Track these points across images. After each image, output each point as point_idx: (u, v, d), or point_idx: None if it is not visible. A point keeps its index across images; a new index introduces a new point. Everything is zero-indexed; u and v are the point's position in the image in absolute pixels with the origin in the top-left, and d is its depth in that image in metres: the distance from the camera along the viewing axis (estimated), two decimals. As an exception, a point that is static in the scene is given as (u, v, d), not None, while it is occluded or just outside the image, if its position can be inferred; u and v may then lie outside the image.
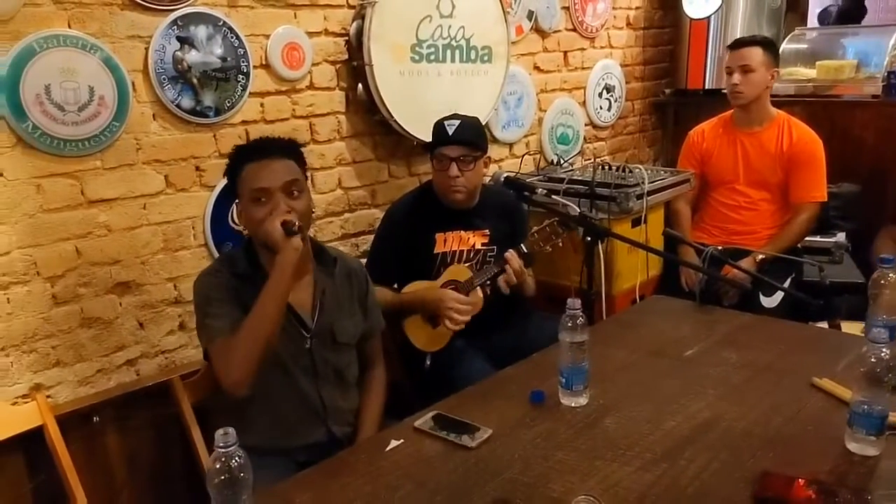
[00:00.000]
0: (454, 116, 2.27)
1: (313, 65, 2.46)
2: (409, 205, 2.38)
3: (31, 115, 1.87)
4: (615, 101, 3.78)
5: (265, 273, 1.68)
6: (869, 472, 1.29)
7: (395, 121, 2.58)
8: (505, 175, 2.50)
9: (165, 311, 2.22)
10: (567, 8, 3.39)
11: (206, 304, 1.70)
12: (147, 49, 2.07)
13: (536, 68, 3.33)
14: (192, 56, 2.15)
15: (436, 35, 2.68)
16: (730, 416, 1.49)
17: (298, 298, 1.77)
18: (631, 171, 2.93)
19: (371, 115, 2.64)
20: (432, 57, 2.69)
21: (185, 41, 2.13)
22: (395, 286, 2.28)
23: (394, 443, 1.45)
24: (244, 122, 2.32)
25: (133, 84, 2.05)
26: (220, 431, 1.07)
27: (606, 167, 3.00)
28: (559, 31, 3.38)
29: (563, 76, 3.48)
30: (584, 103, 3.62)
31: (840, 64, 3.73)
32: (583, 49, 3.55)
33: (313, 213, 1.84)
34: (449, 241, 2.32)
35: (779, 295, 2.78)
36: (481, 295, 2.22)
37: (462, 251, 2.33)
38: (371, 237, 2.55)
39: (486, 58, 2.87)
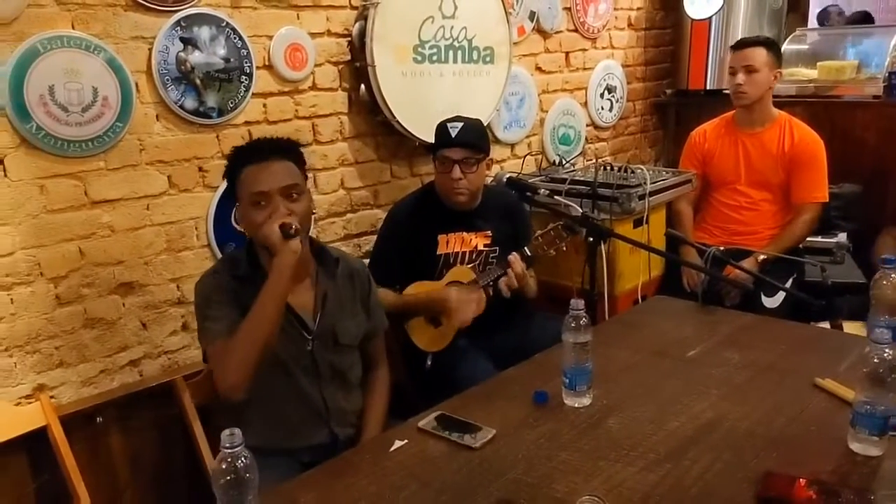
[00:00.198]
0: (457, 118, 2.27)
1: (316, 65, 2.47)
2: (412, 206, 2.38)
3: (35, 116, 1.87)
4: (617, 101, 3.79)
5: (265, 274, 1.67)
6: (872, 472, 1.29)
7: (398, 121, 2.59)
8: (507, 175, 2.50)
9: (168, 312, 2.23)
10: (569, 9, 3.39)
11: (205, 306, 1.70)
12: (150, 50, 2.07)
13: (538, 69, 3.34)
14: (196, 57, 2.15)
15: (438, 36, 2.69)
16: (733, 417, 1.49)
17: (300, 300, 1.77)
18: (633, 172, 2.93)
19: (373, 115, 2.64)
20: (434, 58, 2.69)
21: (189, 42, 2.13)
22: (398, 287, 2.28)
23: (398, 443, 1.45)
24: (247, 123, 2.32)
25: (136, 85, 2.06)
26: (226, 432, 1.07)
27: (608, 168, 3.01)
28: (561, 31, 3.39)
29: (564, 77, 3.48)
30: (585, 104, 3.62)
31: (841, 64, 3.73)
32: (584, 50, 3.55)
33: (314, 214, 1.84)
34: (451, 243, 2.32)
35: (780, 295, 2.78)
36: (484, 296, 2.22)
37: (464, 252, 2.33)
38: (373, 238, 2.56)
39: (488, 58, 2.87)
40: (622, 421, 1.50)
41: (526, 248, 2.19)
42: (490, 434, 1.45)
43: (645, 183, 2.80)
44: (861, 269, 3.13)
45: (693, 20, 3.79)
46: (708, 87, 3.89)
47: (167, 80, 2.10)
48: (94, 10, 1.96)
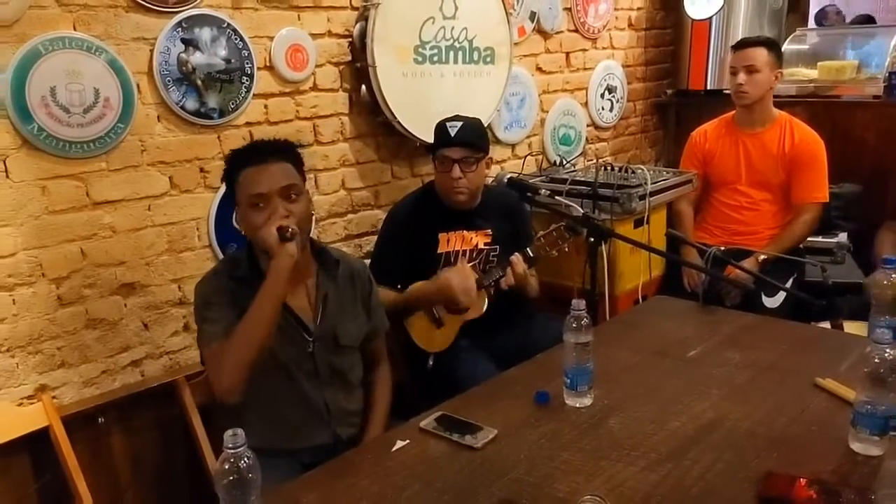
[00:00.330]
0: (456, 118, 2.27)
1: (317, 66, 2.47)
2: (412, 205, 2.39)
3: (37, 117, 1.88)
4: (617, 101, 3.79)
5: (264, 276, 1.66)
6: (872, 471, 1.29)
7: (399, 122, 2.59)
8: (508, 176, 2.50)
9: (170, 312, 2.23)
10: (569, 9, 3.40)
11: (204, 308, 1.70)
12: (152, 51, 2.08)
13: (539, 69, 3.34)
14: (197, 58, 2.15)
15: (439, 36, 2.69)
16: (734, 417, 1.49)
17: (300, 302, 1.77)
18: (633, 172, 2.93)
19: (374, 116, 2.64)
20: (435, 58, 2.69)
21: (190, 43, 2.13)
22: (399, 287, 2.28)
23: (399, 443, 1.46)
24: (248, 124, 2.33)
25: (138, 86, 2.06)
26: (229, 432, 1.07)
27: (609, 168, 3.01)
28: (561, 32, 3.39)
29: (565, 77, 3.49)
30: (586, 104, 3.62)
31: (841, 64, 3.73)
32: (585, 50, 3.56)
33: (314, 215, 1.83)
34: (452, 241, 2.32)
35: (781, 295, 2.79)
36: (485, 297, 2.22)
37: (465, 251, 2.34)
38: (374, 238, 2.56)
39: (488, 59, 2.87)
40: (623, 421, 1.50)
41: (528, 248, 2.20)
42: (491, 434, 1.45)
43: (645, 183, 2.81)
44: (861, 269, 3.13)
45: (693, 20, 3.79)
46: (708, 88, 3.89)
47: (168, 80, 2.11)
48: (95, 12, 1.96)
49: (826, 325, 2.27)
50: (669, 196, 2.98)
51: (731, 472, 1.30)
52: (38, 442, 1.97)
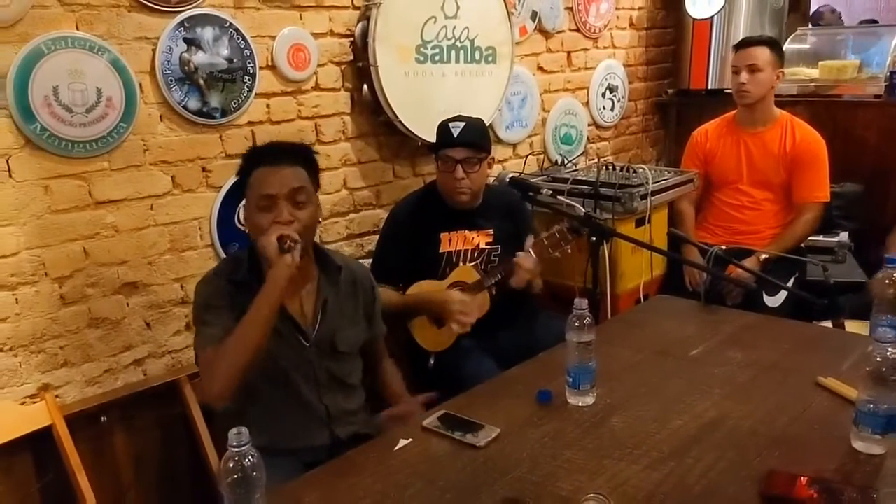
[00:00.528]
0: (458, 118, 2.28)
1: (319, 66, 2.47)
2: (414, 205, 2.39)
3: (40, 117, 1.88)
4: (618, 101, 3.79)
5: (264, 280, 1.65)
6: (875, 470, 1.29)
7: (400, 121, 2.59)
8: (510, 175, 2.51)
9: (172, 312, 2.23)
10: (570, 8, 3.40)
11: (203, 310, 1.70)
12: (154, 50, 2.08)
13: (540, 69, 3.34)
14: (199, 57, 2.16)
15: (440, 36, 2.69)
16: (736, 416, 1.50)
17: (300, 307, 1.77)
18: (635, 172, 2.94)
19: (376, 115, 2.65)
20: (437, 58, 2.70)
21: (192, 42, 2.14)
22: (401, 286, 2.28)
23: (402, 442, 1.46)
24: (250, 123, 2.33)
25: (140, 85, 2.07)
26: (233, 431, 1.08)
27: (610, 167, 3.01)
28: (562, 31, 3.39)
29: (566, 76, 3.49)
30: (587, 103, 3.62)
31: (843, 64, 3.73)
32: (586, 49, 3.56)
33: (320, 222, 1.82)
34: (454, 241, 2.33)
35: (782, 294, 2.79)
36: (488, 299, 2.23)
37: (467, 251, 2.34)
38: (376, 237, 2.56)
39: (490, 58, 2.87)
40: (626, 420, 1.50)
41: (526, 241, 2.21)
42: (494, 433, 1.46)
43: (647, 182, 2.81)
44: (863, 269, 3.13)
45: (694, 20, 3.79)
46: (709, 87, 3.89)
47: (171, 80, 2.11)
48: (97, 11, 1.97)
49: (827, 324, 2.27)
50: (671, 195, 2.98)
51: (734, 470, 1.30)
52: (40, 441, 1.97)
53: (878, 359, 1.30)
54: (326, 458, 1.50)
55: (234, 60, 2.23)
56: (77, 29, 1.94)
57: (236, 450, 1.08)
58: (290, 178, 1.68)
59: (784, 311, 2.74)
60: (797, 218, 2.93)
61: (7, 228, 1.88)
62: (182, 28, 2.11)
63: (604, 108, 3.72)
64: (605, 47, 3.67)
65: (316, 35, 2.45)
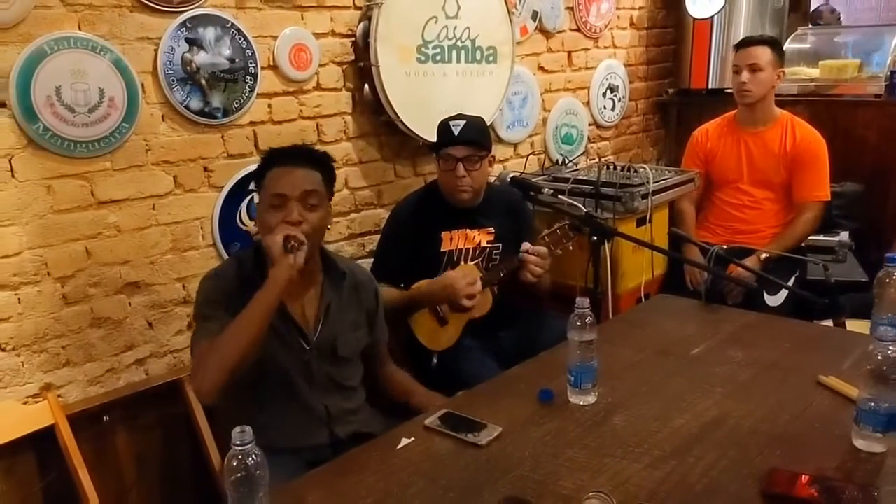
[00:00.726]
0: (459, 116, 2.28)
1: (320, 66, 2.48)
2: (415, 204, 2.40)
3: (42, 117, 1.88)
4: (619, 100, 3.80)
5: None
6: (876, 468, 1.30)
7: (402, 121, 2.60)
8: (511, 175, 2.51)
9: (174, 311, 2.24)
10: (571, 8, 3.40)
11: (204, 305, 1.70)
12: (156, 51, 2.08)
13: (541, 68, 3.34)
14: (201, 57, 2.16)
15: (441, 36, 2.70)
16: (737, 414, 1.50)
17: (302, 310, 1.78)
18: (636, 171, 2.94)
19: (377, 115, 2.65)
20: (438, 58, 2.70)
21: (194, 43, 2.14)
22: (402, 286, 2.29)
23: (404, 441, 1.46)
24: (252, 123, 2.33)
25: (142, 85, 2.07)
26: (237, 429, 1.08)
27: (611, 167, 3.02)
28: (563, 31, 3.40)
29: (567, 76, 3.49)
30: (587, 103, 3.63)
31: (843, 63, 3.74)
32: (587, 49, 3.56)
33: (328, 228, 1.84)
34: (455, 240, 2.33)
35: (783, 294, 2.79)
36: (490, 297, 2.23)
37: (468, 249, 2.34)
38: (377, 237, 2.56)
39: (491, 58, 2.88)
40: (627, 418, 1.51)
41: (526, 240, 2.22)
42: (496, 432, 1.46)
43: (648, 182, 2.81)
44: (863, 268, 3.14)
45: (695, 19, 3.79)
46: (710, 87, 3.90)
47: (173, 80, 2.11)
48: (100, 12, 1.97)
49: (828, 323, 2.27)
50: (671, 195, 2.98)
51: (735, 468, 1.31)
52: (43, 440, 1.97)
53: (879, 357, 1.30)
54: (328, 457, 1.50)
55: (236, 60, 2.24)
56: (79, 29, 1.94)
57: (240, 448, 1.08)
58: (304, 181, 1.70)
59: (785, 310, 2.74)
60: (798, 217, 2.93)
61: (9, 228, 1.89)
62: (184, 28, 2.12)
63: (604, 107, 3.72)
64: (605, 47, 3.67)
65: (317, 35, 2.45)
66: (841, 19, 4.38)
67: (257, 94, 2.31)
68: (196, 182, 2.23)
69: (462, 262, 2.32)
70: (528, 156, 3.32)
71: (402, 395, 1.97)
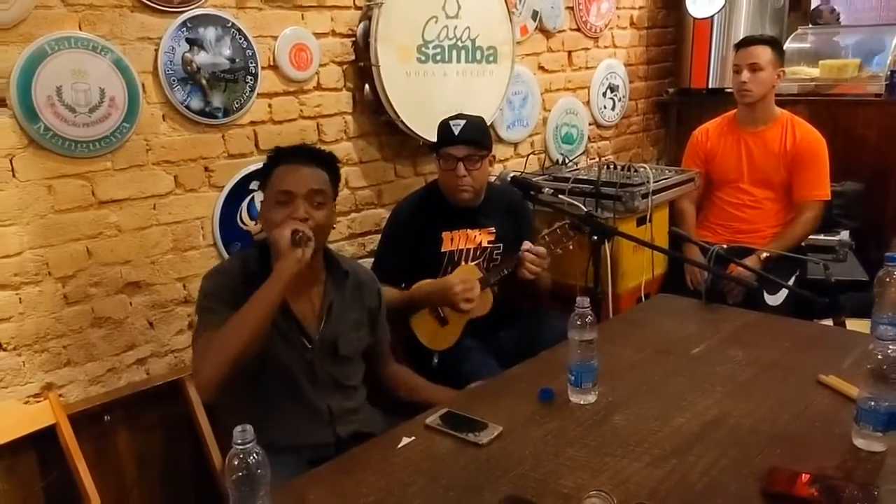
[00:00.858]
0: (459, 116, 2.28)
1: (320, 66, 2.48)
2: (415, 204, 2.40)
3: (43, 117, 1.89)
4: (619, 100, 3.80)
5: None
6: (876, 467, 1.30)
7: (402, 121, 2.60)
8: (511, 174, 2.52)
9: (175, 311, 2.24)
10: (571, 8, 3.40)
11: (206, 299, 1.71)
12: (157, 50, 2.09)
13: (541, 68, 3.35)
14: (202, 57, 2.16)
15: (441, 36, 2.70)
16: (737, 413, 1.50)
17: (304, 309, 1.78)
18: (636, 171, 2.94)
19: (377, 115, 2.65)
20: (438, 57, 2.70)
21: (195, 43, 2.14)
22: (403, 286, 2.29)
23: (405, 440, 1.46)
24: (252, 123, 2.34)
25: (143, 85, 2.07)
26: (238, 428, 1.08)
27: (611, 166, 3.02)
28: (563, 31, 3.40)
29: (567, 76, 3.49)
30: (588, 103, 3.63)
31: (843, 63, 3.74)
32: (587, 49, 3.56)
33: (333, 228, 1.85)
34: (456, 240, 2.33)
35: (783, 293, 2.79)
36: (491, 296, 2.23)
37: (469, 249, 2.35)
38: (377, 237, 2.57)
39: (491, 58, 2.88)
40: (628, 417, 1.51)
41: (527, 241, 2.21)
42: (496, 431, 1.46)
43: (648, 182, 2.81)
44: (864, 267, 3.14)
45: (695, 19, 3.80)
46: (710, 86, 3.90)
47: (173, 80, 2.12)
48: (100, 12, 1.97)
49: (829, 322, 2.28)
50: (672, 194, 2.98)
51: (735, 468, 1.31)
52: (44, 440, 1.98)
53: (879, 356, 1.30)
54: (329, 456, 1.50)
55: (237, 60, 2.24)
56: (80, 29, 1.94)
57: (241, 447, 1.08)
58: (311, 179, 1.71)
59: (785, 309, 2.74)
60: (798, 216, 2.94)
61: (10, 228, 1.89)
62: (184, 28, 2.12)
63: (604, 107, 3.72)
64: (605, 47, 3.68)
65: (318, 35, 2.45)
66: (840, 19, 4.38)
67: (258, 94, 2.32)
68: (197, 182, 2.24)
69: (463, 263, 2.32)
70: (529, 155, 3.33)
71: (407, 391, 1.98)
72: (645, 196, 2.76)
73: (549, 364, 1.78)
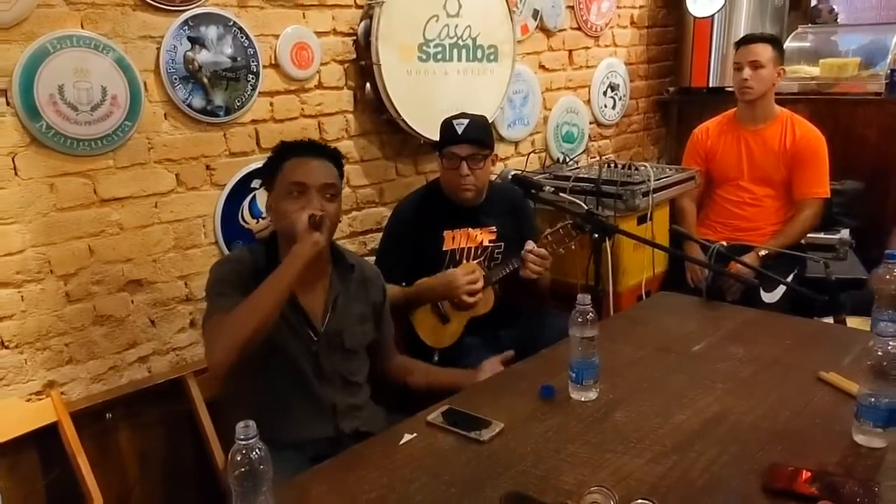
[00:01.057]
0: (462, 115, 2.29)
1: (322, 64, 2.49)
2: (417, 203, 2.40)
3: (45, 115, 1.89)
4: (619, 99, 3.80)
5: None
6: (876, 463, 1.30)
7: (403, 120, 2.60)
8: (512, 173, 2.52)
9: (177, 309, 2.24)
10: (572, 7, 3.41)
11: (216, 284, 1.72)
12: (159, 49, 2.09)
13: (542, 67, 3.35)
14: (203, 56, 2.17)
15: (442, 34, 2.70)
16: (738, 410, 1.50)
17: (311, 301, 1.79)
18: (637, 169, 2.95)
19: (378, 114, 2.66)
20: (439, 56, 2.71)
21: (196, 41, 2.15)
22: (404, 284, 2.29)
23: (407, 436, 1.47)
24: (254, 122, 2.34)
25: (145, 84, 2.08)
26: (240, 424, 1.09)
27: (612, 165, 3.02)
28: (564, 29, 3.40)
29: (567, 75, 3.50)
30: (588, 102, 3.64)
31: (843, 62, 3.74)
32: (587, 48, 3.57)
33: (340, 221, 1.86)
34: (457, 239, 2.34)
35: (779, 291, 2.80)
36: (492, 295, 2.23)
37: (470, 248, 2.35)
38: (379, 235, 2.57)
39: (492, 57, 2.88)
40: (629, 414, 1.51)
41: (530, 241, 2.22)
42: (498, 428, 1.47)
43: (648, 180, 2.82)
44: (864, 266, 3.14)
45: (695, 18, 3.80)
46: (710, 85, 3.91)
47: (175, 79, 2.12)
48: (102, 10, 1.98)
49: (829, 320, 2.28)
50: (672, 193, 2.99)
51: (736, 464, 1.31)
52: (46, 438, 1.98)
53: (879, 353, 1.30)
54: (331, 452, 1.50)
55: (238, 59, 2.24)
56: (82, 28, 1.95)
57: (244, 443, 1.08)
58: (324, 173, 1.74)
59: (781, 307, 2.74)
60: (797, 214, 2.94)
61: (13, 226, 1.90)
62: (186, 27, 2.12)
63: (605, 106, 3.72)
64: (606, 45, 3.68)
65: (319, 34, 2.46)
66: (838, 18, 4.39)
67: (259, 93, 2.32)
68: (198, 180, 2.24)
69: (464, 261, 2.33)
70: (529, 154, 3.33)
71: (419, 378, 2.01)
72: (645, 194, 2.77)
73: (550, 361, 1.78)
